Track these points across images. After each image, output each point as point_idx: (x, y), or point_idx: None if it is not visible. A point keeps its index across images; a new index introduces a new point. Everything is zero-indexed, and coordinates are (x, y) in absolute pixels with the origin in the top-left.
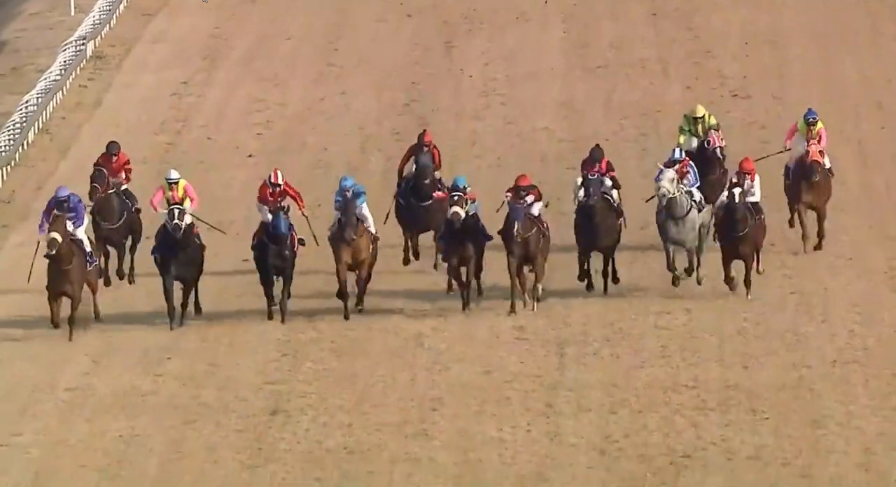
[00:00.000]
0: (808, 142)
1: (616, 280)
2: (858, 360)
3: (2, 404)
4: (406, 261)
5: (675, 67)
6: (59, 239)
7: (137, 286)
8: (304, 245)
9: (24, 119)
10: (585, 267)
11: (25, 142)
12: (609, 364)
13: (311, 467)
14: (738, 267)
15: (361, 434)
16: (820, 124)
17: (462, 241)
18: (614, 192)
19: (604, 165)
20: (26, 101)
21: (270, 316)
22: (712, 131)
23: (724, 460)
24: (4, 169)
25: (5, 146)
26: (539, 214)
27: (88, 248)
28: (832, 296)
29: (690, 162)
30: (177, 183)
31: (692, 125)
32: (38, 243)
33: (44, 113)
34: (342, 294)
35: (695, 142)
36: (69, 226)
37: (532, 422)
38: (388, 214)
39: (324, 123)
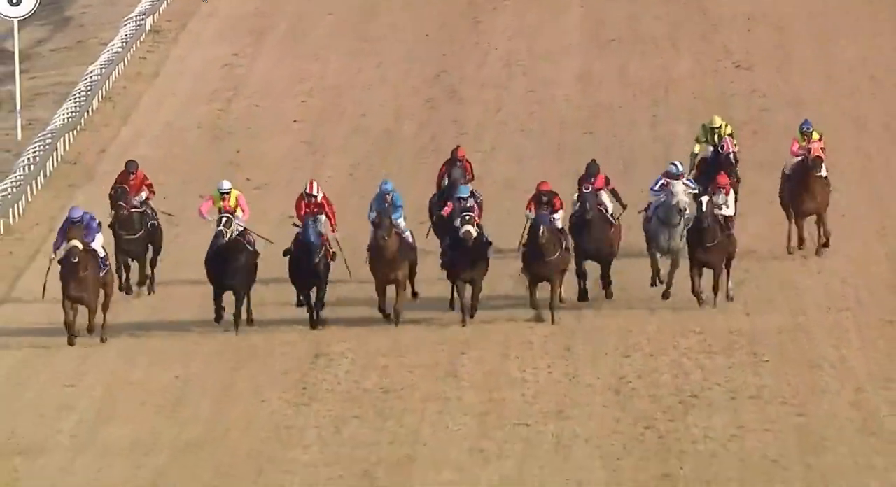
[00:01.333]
0: (808, 147)
1: (610, 294)
2: (851, 308)
3: (69, 350)
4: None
5: (684, 42)
6: (80, 246)
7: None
8: (334, 260)
9: (88, 88)
10: (582, 278)
11: (90, 109)
12: (623, 311)
13: (350, 405)
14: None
15: (396, 376)
16: (815, 134)
17: (470, 258)
18: (610, 205)
19: (601, 180)
20: (91, 72)
21: (313, 326)
22: (727, 137)
23: (727, 399)
24: (71, 133)
25: (72, 113)
26: (561, 226)
27: (102, 254)
28: (827, 251)
29: (687, 178)
30: (229, 193)
31: (709, 134)
32: (51, 261)
33: (107, 82)
34: (382, 303)
35: (710, 149)
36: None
37: (552, 365)
38: (428, 230)
39: (361, 93)
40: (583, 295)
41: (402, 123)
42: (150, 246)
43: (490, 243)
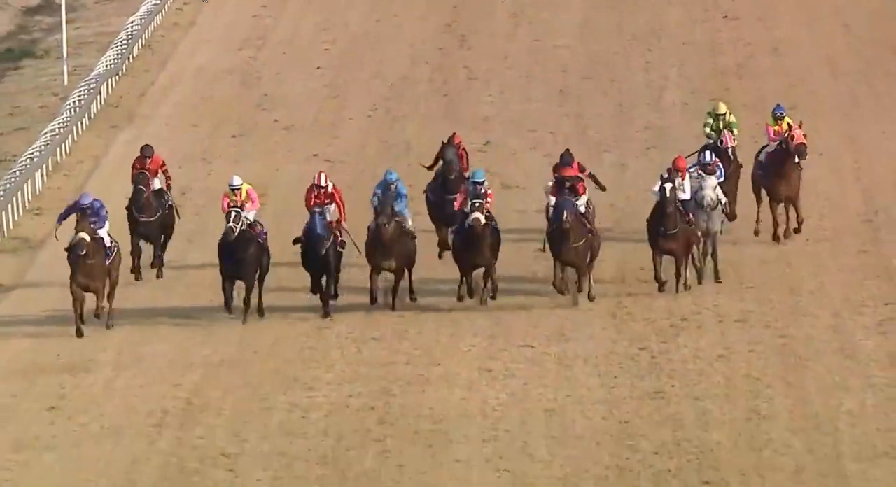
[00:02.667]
0: (783, 135)
1: (591, 297)
2: (828, 239)
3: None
4: (441, 255)
5: None
6: (88, 238)
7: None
8: (343, 248)
9: (129, 37)
10: (561, 277)
11: (131, 57)
12: (620, 243)
13: (369, 329)
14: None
15: (411, 304)
16: (788, 119)
17: (479, 246)
18: (581, 208)
19: (576, 167)
20: (131, 22)
21: (326, 314)
22: (726, 131)
23: (715, 322)
24: (113, 78)
25: (114, 60)
26: (585, 211)
27: (108, 243)
28: (805, 187)
29: (720, 162)
30: (239, 188)
31: (715, 120)
32: (56, 229)
33: (146, 31)
34: (372, 290)
35: (715, 137)
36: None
37: (554, 292)
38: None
39: (379, 42)
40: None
41: (416, 69)
42: (164, 230)
43: (498, 230)
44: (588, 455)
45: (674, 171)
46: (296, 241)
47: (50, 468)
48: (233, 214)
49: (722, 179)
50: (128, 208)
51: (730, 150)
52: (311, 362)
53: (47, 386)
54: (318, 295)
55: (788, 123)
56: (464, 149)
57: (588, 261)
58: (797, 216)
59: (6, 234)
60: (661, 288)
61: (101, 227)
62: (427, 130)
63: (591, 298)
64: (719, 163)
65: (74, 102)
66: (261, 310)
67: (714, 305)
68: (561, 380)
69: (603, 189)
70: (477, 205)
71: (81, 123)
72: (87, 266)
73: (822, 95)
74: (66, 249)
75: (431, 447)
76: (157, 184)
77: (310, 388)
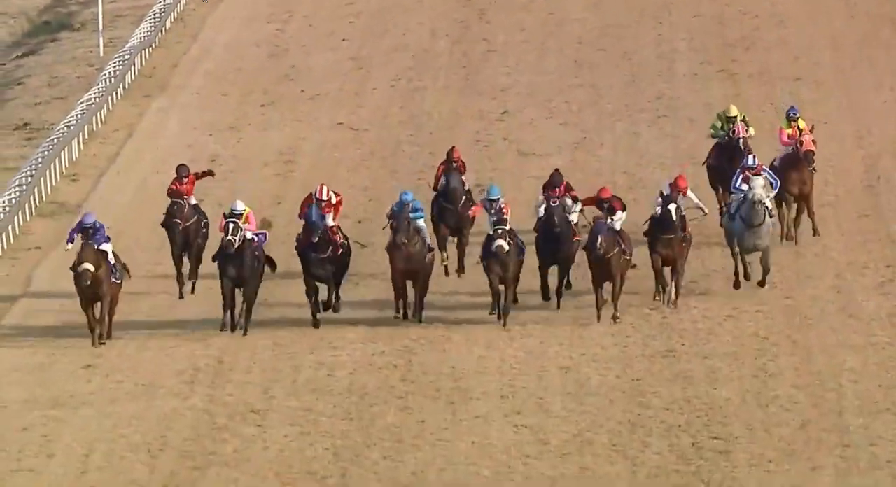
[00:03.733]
0: (794, 140)
1: (569, 285)
2: (832, 204)
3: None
4: (446, 272)
5: None
6: (92, 269)
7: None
8: (343, 249)
9: (162, 10)
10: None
11: (164, 29)
12: (632, 207)
13: (391, 292)
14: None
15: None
16: (801, 121)
17: (505, 264)
18: (574, 215)
19: (563, 188)
20: None
21: (316, 325)
22: (739, 122)
23: (724, 283)
24: (147, 50)
25: (148, 32)
26: (621, 229)
27: (112, 261)
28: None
29: (765, 166)
30: (241, 214)
31: (724, 123)
32: (67, 247)
33: (178, 5)
34: (397, 301)
35: (723, 134)
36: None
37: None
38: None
39: (401, 15)
40: (546, 294)
41: (437, 41)
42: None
43: (524, 249)
44: (602, 411)
45: (675, 190)
46: (296, 247)
47: (86, 423)
48: (230, 226)
49: (776, 190)
50: (163, 224)
51: (741, 141)
52: (336, 323)
53: (83, 346)
54: (311, 304)
55: (800, 128)
56: (462, 163)
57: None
58: (809, 213)
59: (45, 199)
60: (664, 301)
61: (104, 242)
62: (447, 100)
63: (614, 319)
64: (764, 167)
65: (110, 73)
66: (245, 329)
67: (722, 268)
68: (575, 339)
69: (581, 210)
70: (500, 231)
71: (116, 93)
72: (92, 275)
73: (824, 66)
74: (72, 271)
75: (452, 403)
76: (192, 199)
77: (335, 348)
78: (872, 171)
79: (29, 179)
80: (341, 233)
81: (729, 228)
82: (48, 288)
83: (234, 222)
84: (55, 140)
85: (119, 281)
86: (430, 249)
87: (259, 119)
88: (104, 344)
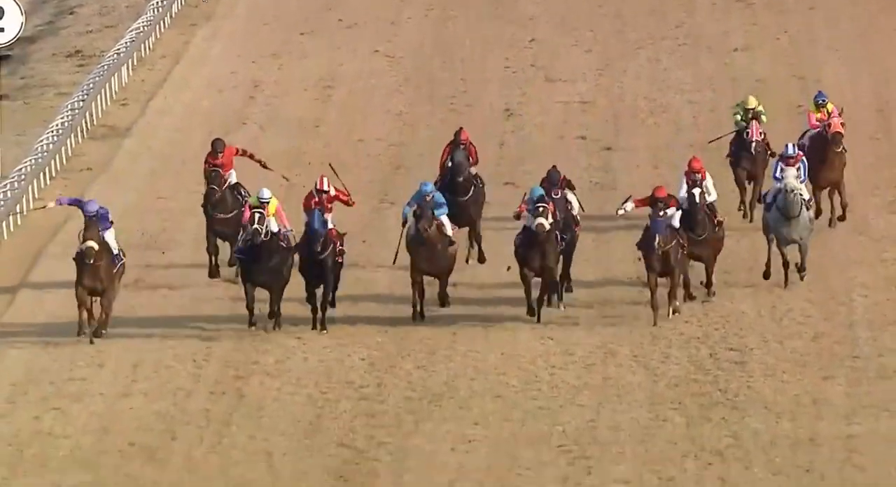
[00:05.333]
0: (823, 123)
1: (570, 288)
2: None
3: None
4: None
5: None
6: (96, 247)
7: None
8: (342, 257)
9: None
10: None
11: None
12: (653, 129)
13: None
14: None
15: None
16: (830, 105)
17: (542, 251)
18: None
19: (562, 183)
20: None
21: (314, 325)
22: (753, 122)
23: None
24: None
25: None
26: (678, 226)
27: (116, 250)
28: (823, 79)
29: (803, 157)
30: (268, 202)
31: (744, 114)
32: (45, 208)
33: None
34: (414, 297)
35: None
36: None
37: (592, 174)
38: None
39: None
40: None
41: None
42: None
43: (562, 239)
44: (624, 324)
45: (692, 174)
46: (295, 249)
47: (133, 338)
48: (257, 216)
49: (804, 179)
50: (203, 206)
51: (754, 144)
52: (370, 241)
53: (132, 262)
54: (311, 307)
55: (829, 112)
56: (472, 145)
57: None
58: (841, 200)
59: (96, 122)
60: (688, 296)
61: (107, 230)
62: (478, 29)
63: (675, 311)
64: (803, 158)
65: (157, 2)
66: (278, 322)
67: (731, 190)
68: (599, 259)
69: (581, 209)
70: (541, 209)
71: (164, 22)
72: (95, 268)
73: (843, 27)
74: (74, 258)
75: (482, 317)
76: (233, 177)
77: (374, 265)
78: (882, 96)
79: (81, 104)
80: (339, 236)
81: (766, 219)
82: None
83: (259, 212)
84: (105, 66)
85: (120, 271)
86: (453, 243)
87: (299, 47)
88: (101, 336)
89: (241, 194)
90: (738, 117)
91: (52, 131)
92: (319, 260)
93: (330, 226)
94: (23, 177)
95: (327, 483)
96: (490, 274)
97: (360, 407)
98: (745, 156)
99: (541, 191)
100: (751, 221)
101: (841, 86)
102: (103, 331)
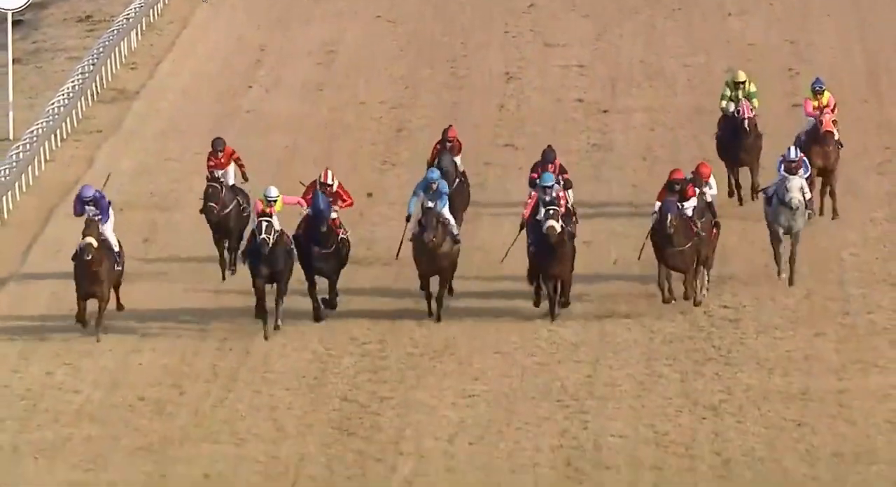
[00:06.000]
0: (820, 112)
1: (697, 303)
2: (833, 90)
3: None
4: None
5: None
6: (95, 243)
7: None
8: (347, 247)
9: None
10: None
11: None
12: (648, 92)
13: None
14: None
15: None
16: (827, 93)
17: (557, 256)
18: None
19: (556, 166)
20: None
21: (317, 318)
22: (744, 101)
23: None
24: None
25: None
26: (692, 214)
27: (116, 248)
28: (813, 44)
29: (805, 158)
30: (275, 200)
31: (733, 90)
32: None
33: None
34: (427, 295)
35: (733, 107)
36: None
37: (590, 136)
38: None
39: None
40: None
41: None
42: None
43: (574, 235)
44: (620, 283)
45: (698, 178)
46: (295, 239)
47: (145, 293)
48: (264, 225)
49: (807, 175)
50: (202, 210)
51: (746, 121)
52: (375, 197)
53: (142, 221)
54: (312, 297)
55: (820, 105)
56: (458, 141)
57: (695, 266)
58: (831, 192)
59: (105, 86)
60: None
61: (106, 221)
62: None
63: (696, 304)
64: (805, 159)
65: None
66: (276, 325)
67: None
68: (596, 215)
69: (569, 187)
70: (551, 212)
71: None
72: (93, 272)
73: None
74: (72, 257)
75: (479, 277)
76: (230, 178)
77: (374, 224)
78: (873, 61)
79: (91, 67)
80: (343, 226)
81: (766, 211)
82: (114, 164)
83: (267, 221)
84: (115, 31)
85: (120, 269)
86: (457, 241)
87: (303, 13)
88: (104, 330)
89: (238, 193)
90: (724, 102)
91: (63, 94)
92: (323, 252)
93: (333, 216)
94: (35, 138)
95: (331, 437)
96: (489, 238)
97: (363, 364)
98: (736, 145)
99: (551, 177)
100: (742, 204)
101: (833, 52)
102: (104, 325)
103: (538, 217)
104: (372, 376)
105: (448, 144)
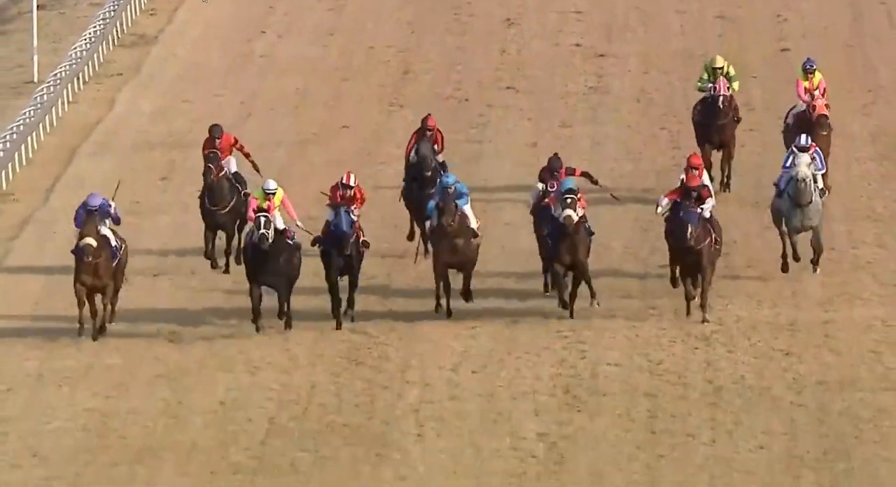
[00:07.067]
0: (812, 96)
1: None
2: (818, 35)
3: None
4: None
5: None
6: (94, 243)
7: None
8: (368, 247)
9: None
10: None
11: None
12: (643, 37)
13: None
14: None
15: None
16: (818, 74)
17: (571, 245)
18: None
19: (563, 174)
20: None
21: (338, 326)
22: (721, 78)
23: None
24: None
25: None
26: (711, 215)
27: (114, 243)
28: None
29: (817, 148)
30: (274, 193)
31: (711, 74)
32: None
33: None
34: (438, 289)
35: (709, 87)
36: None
37: (587, 79)
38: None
39: None
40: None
41: None
42: (238, 219)
43: (593, 232)
44: (616, 220)
45: (689, 169)
46: (315, 242)
47: (163, 229)
48: (262, 220)
49: (824, 171)
50: (200, 196)
51: (722, 99)
52: (380, 138)
53: (160, 160)
54: (333, 301)
55: (811, 87)
56: (439, 131)
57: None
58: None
59: (126, 31)
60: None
61: (112, 223)
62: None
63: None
64: (818, 149)
65: None
66: (288, 323)
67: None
68: (593, 154)
69: (596, 183)
70: (569, 200)
71: None
72: (94, 266)
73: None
74: (73, 251)
75: (485, 212)
76: (233, 165)
77: (382, 162)
78: (856, 6)
79: (112, 13)
80: (362, 230)
81: (776, 206)
82: (132, 106)
83: (265, 216)
84: None
85: (122, 263)
86: (477, 235)
87: None
88: (104, 332)
89: (238, 183)
90: (705, 78)
91: (86, 39)
92: (345, 257)
93: (354, 218)
94: (58, 81)
95: (341, 366)
96: (489, 171)
97: (371, 299)
98: (711, 125)
99: (571, 183)
100: (729, 191)
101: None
102: (108, 324)
103: (555, 212)
104: (379, 308)
105: (427, 133)
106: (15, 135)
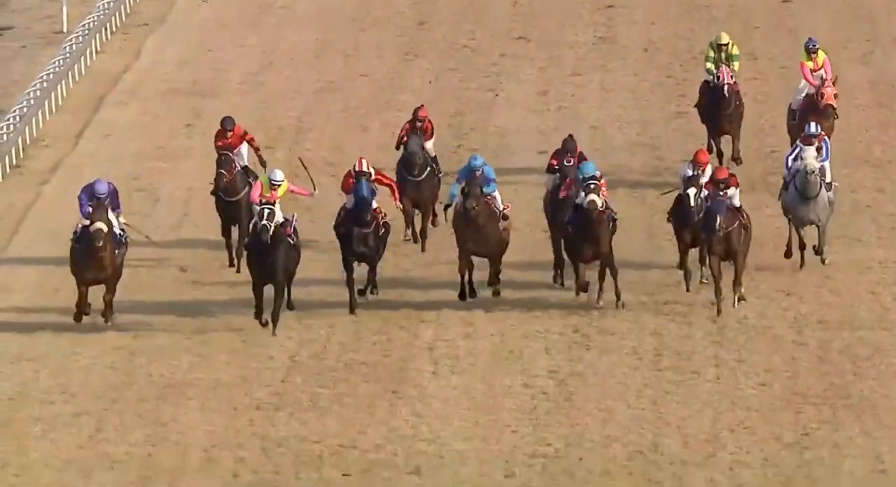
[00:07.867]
0: (822, 81)
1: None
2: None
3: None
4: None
5: None
6: (105, 229)
7: None
8: (387, 231)
9: None
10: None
11: None
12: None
13: (446, 60)
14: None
15: None
16: (822, 53)
17: (594, 234)
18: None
19: (577, 155)
20: None
21: (352, 310)
22: (723, 66)
23: None
24: None
25: None
26: (740, 204)
27: (117, 231)
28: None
29: (825, 137)
30: (279, 184)
31: (717, 52)
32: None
33: None
34: (462, 278)
35: (713, 72)
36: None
37: (596, 29)
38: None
39: None
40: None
41: None
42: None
43: (616, 218)
44: (624, 163)
45: (696, 166)
46: (336, 228)
47: (187, 174)
48: (266, 212)
49: (826, 160)
50: (213, 192)
51: (726, 87)
52: (399, 87)
53: (185, 107)
54: (349, 287)
55: (816, 67)
56: (429, 121)
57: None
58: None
59: None
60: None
61: (117, 209)
62: None
63: (741, 300)
64: (825, 139)
65: None
66: (290, 305)
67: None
68: (602, 102)
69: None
70: (592, 186)
71: None
72: (98, 258)
73: None
74: (76, 239)
75: (497, 156)
76: (244, 156)
77: (398, 110)
78: None
79: None
80: (383, 212)
81: (784, 199)
82: (158, 50)
83: (269, 208)
84: None
85: (122, 254)
86: (506, 217)
87: None
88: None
89: (247, 175)
90: (710, 63)
91: None
92: (364, 232)
93: (374, 205)
94: (87, 31)
95: (359, 305)
96: (502, 119)
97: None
98: (717, 113)
99: (592, 166)
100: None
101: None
102: (107, 324)
103: (576, 200)
104: (395, 250)
105: (418, 124)
106: (45, 84)
